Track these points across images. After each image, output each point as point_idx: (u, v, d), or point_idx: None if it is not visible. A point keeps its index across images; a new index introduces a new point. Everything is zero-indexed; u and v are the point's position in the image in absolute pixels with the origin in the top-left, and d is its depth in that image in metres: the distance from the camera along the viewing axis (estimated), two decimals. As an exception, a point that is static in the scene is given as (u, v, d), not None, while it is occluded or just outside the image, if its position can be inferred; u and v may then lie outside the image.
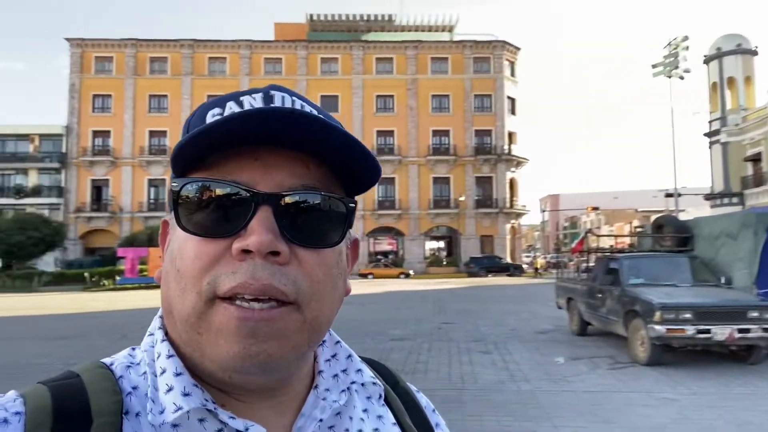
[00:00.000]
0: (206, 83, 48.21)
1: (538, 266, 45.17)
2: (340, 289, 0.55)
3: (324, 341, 0.61)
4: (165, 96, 48.09)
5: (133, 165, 46.89)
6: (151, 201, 47.00)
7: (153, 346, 0.54)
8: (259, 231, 0.48)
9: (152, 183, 47.17)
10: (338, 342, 0.62)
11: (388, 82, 49.22)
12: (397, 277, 40.58)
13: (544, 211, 62.35)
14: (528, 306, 17.39)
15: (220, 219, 0.49)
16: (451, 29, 55.14)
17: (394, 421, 0.62)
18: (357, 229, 46.05)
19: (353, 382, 0.59)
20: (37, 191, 46.34)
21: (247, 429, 0.49)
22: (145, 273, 30.37)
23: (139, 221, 45.50)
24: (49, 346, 10.68)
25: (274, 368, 0.50)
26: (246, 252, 0.48)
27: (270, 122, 0.49)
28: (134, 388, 0.51)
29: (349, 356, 0.61)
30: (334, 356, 0.61)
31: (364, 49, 49.57)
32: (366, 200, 47.12)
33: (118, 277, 31.21)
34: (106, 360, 0.55)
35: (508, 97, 49.96)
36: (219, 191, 0.50)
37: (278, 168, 0.51)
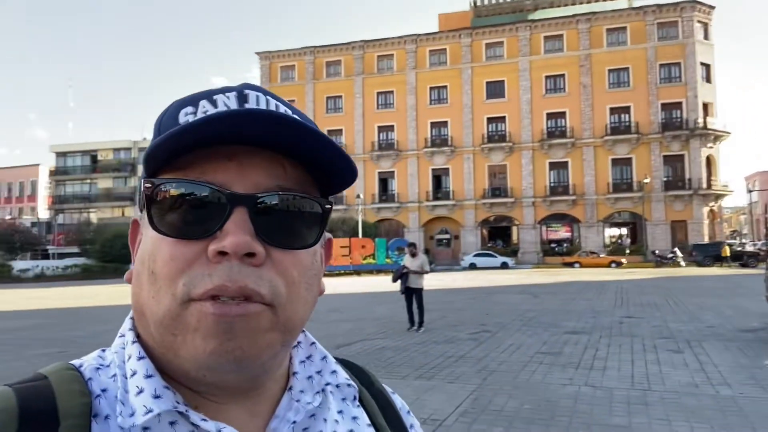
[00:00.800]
0: (376, 81, 50.54)
1: (726, 254, 36.88)
2: (314, 290, 0.54)
3: (299, 342, 0.61)
4: (340, 96, 51.50)
5: (314, 163, 51.04)
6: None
7: (124, 348, 0.53)
8: (235, 232, 0.47)
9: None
10: (313, 343, 0.62)
11: (558, 60, 46.59)
12: (608, 266, 37.91)
13: (751, 191, 53.94)
14: (730, 300, 15.24)
15: (195, 220, 0.49)
16: (629, -5, 50.26)
17: (368, 422, 0.62)
18: (528, 216, 44.78)
19: (328, 384, 0.59)
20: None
21: (219, 431, 0.49)
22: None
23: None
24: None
25: (248, 365, 0.49)
26: (222, 254, 0.47)
27: (247, 123, 0.48)
28: (104, 390, 0.50)
29: (324, 357, 0.61)
30: (308, 357, 0.60)
31: (531, 28, 47.51)
32: (536, 187, 45.40)
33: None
34: (75, 362, 0.53)
35: (702, 64, 43.98)
36: (194, 192, 0.49)
37: (254, 169, 0.51)
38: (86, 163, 59.08)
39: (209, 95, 0.55)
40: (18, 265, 39.64)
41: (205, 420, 0.48)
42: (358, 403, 0.63)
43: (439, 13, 61.61)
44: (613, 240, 45.44)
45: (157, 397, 0.48)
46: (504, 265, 40.56)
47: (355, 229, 38.87)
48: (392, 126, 49.70)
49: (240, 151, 0.50)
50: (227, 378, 0.50)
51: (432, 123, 48.82)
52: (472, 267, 40.77)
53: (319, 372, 0.59)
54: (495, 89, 47.81)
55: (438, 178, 48.58)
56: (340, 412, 0.60)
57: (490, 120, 47.55)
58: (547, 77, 46.76)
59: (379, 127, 50.05)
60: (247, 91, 0.55)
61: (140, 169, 0.43)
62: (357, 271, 32.93)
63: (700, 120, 42.75)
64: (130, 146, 58.04)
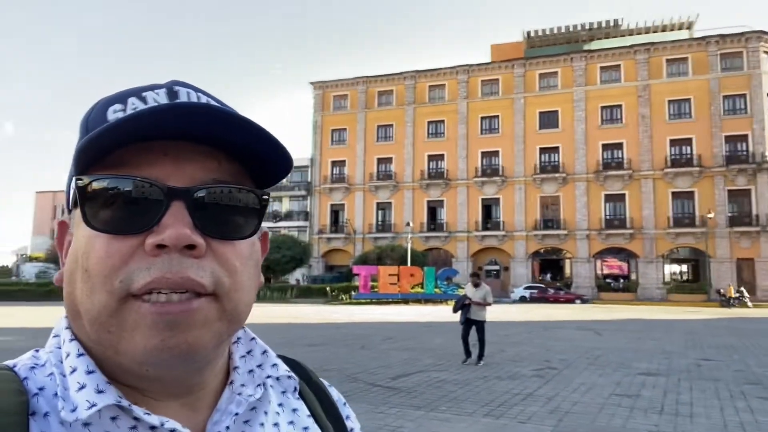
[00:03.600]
0: (427, 110, 50.75)
1: (731, 295, 34.29)
2: (254, 280, 0.55)
3: (239, 338, 0.61)
4: (390, 125, 51.92)
5: (363, 190, 51.42)
6: (379, 223, 50.80)
7: (59, 347, 0.53)
8: (174, 225, 0.47)
9: (380, 206, 51.02)
10: (253, 338, 0.62)
11: (615, 91, 45.56)
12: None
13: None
14: (816, 346, 14.00)
15: (131, 215, 0.48)
16: (689, 26, 48.98)
17: (308, 413, 0.63)
18: (581, 250, 43.32)
19: (269, 377, 0.59)
20: (288, 215, 53.91)
21: (162, 424, 0.48)
22: (376, 289, 32.77)
23: (369, 241, 49.52)
24: (301, 352, 11.98)
25: (194, 359, 0.49)
26: (160, 247, 0.47)
27: (181, 118, 0.48)
28: (41, 388, 0.49)
29: (265, 352, 0.61)
30: (249, 352, 0.61)
31: (586, 59, 46.80)
32: (591, 219, 44.01)
33: (353, 293, 34.20)
34: (9, 362, 0.53)
35: (769, 95, 42.05)
36: (130, 187, 0.48)
37: (189, 163, 0.50)
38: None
39: (138, 92, 0.54)
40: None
41: (148, 414, 0.48)
42: (298, 396, 0.64)
43: (492, 44, 61.65)
44: (673, 277, 43.32)
45: (100, 392, 0.47)
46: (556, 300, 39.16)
47: (403, 257, 38.55)
48: (442, 155, 49.57)
49: (174, 145, 0.50)
50: (171, 372, 0.49)
51: (483, 152, 48.40)
52: (522, 300, 39.59)
53: (260, 366, 0.59)
54: (548, 119, 47.09)
55: (488, 207, 47.86)
56: (280, 404, 0.61)
57: (542, 150, 46.73)
58: (603, 107, 45.75)
59: (429, 156, 50.00)
60: (177, 88, 0.55)
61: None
62: (405, 299, 32.47)
63: (768, 153, 40.69)
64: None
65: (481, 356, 10.49)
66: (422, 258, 41.04)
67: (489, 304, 10.71)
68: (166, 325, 0.46)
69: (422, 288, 33.30)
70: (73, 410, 0.47)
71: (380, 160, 51.63)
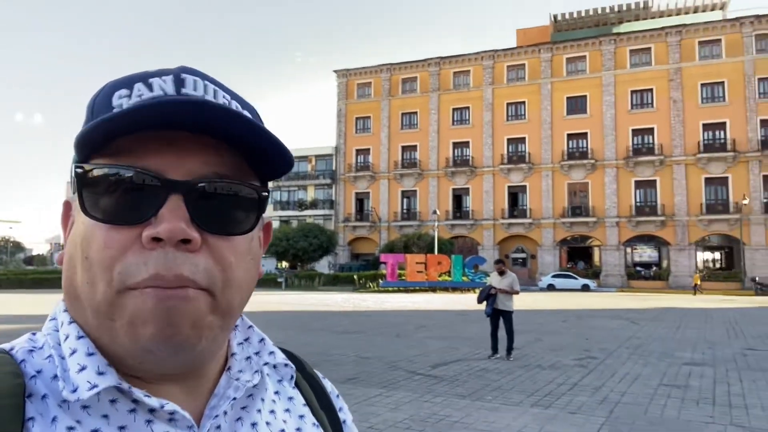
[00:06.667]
0: (451, 97, 50.24)
1: (697, 283, 35.10)
2: (252, 274, 0.55)
3: (236, 326, 0.61)
4: (415, 113, 51.56)
5: (388, 178, 51.30)
6: (404, 211, 50.69)
7: (57, 330, 0.53)
8: (170, 219, 0.47)
9: (405, 194, 50.88)
10: (251, 326, 0.62)
11: (646, 74, 44.44)
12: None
13: None
14: None
15: (129, 206, 0.48)
16: (723, 7, 47.44)
17: (304, 402, 0.64)
18: (611, 237, 42.61)
19: (266, 364, 0.59)
20: (314, 204, 54.18)
21: (162, 406, 0.48)
22: (403, 277, 32.78)
23: (394, 229, 49.50)
24: (338, 338, 12.04)
25: (187, 351, 0.49)
26: (156, 240, 0.47)
27: (184, 110, 0.48)
28: (39, 371, 0.49)
29: (262, 340, 0.61)
30: (246, 340, 0.61)
31: (616, 42, 45.68)
32: (621, 206, 43.23)
33: (381, 281, 34.27)
34: (5, 345, 0.53)
35: (808, 76, 40.57)
36: (128, 178, 0.48)
37: (190, 155, 0.50)
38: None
39: (145, 78, 0.54)
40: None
41: (148, 396, 0.48)
42: (294, 385, 0.64)
43: (517, 28, 60.66)
44: (707, 264, 42.39)
45: (101, 373, 0.48)
46: (585, 288, 38.73)
47: (430, 246, 38.43)
48: (468, 142, 49.10)
49: (176, 137, 0.50)
50: (165, 364, 0.50)
51: (509, 139, 47.79)
52: (551, 288, 39.21)
53: (257, 353, 0.60)
54: (576, 105, 46.24)
55: (514, 195, 47.35)
56: (276, 392, 0.61)
57: (570, 136, 45.95)
58: (633, 92, 44.70)
59: (454, 143, 49.58)
60: (184, 75, 0.54)
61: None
62: (432, 287, 32.42)
63: (807, 137, 39.32)
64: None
65: (510, 349, 9.85)
66: (449, 246, 40.87)
67: (516, 293, 10.04)
68: (162, 315, 0.47)
69: (449, 276, 33.19)
70: (74, 391, 0.47)
71: (405, 148, 51.38)
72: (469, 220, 47.86)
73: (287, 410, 0.61)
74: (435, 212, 41.79)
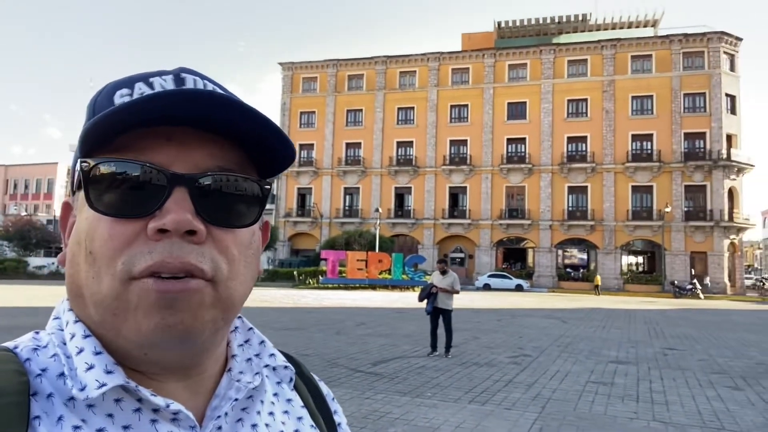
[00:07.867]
0: (397, 96, 50.59)
1: (598, 284, 39.14)
2: (253, 268, 0.55)
3: (236, 327, 0.62)
4: (360, 110, 51.55)
5: (331, 175, 51.05)
6: (346, 208, 50.61)
7: (61, 329, 0.53)
8: (176, 210, 0.48)
9: (347, 191, 50.80)
10: (251, 328, 0.63)
11: (581, 85, 46.43)
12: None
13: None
14: (768, 337, 14.77)
15: (135, 199, 0.49)
16: (654, 24, 50.20)
17: (302, 404, 0.64)
18: (544, 240, 44.29)
19: (266, 366, 0.60)
20: (254, 198, 53.00)
21: (167, 406, 0.49)
22: (344, 274, 32.73)
23: (335, 226, 49.33)
24: (277, 335, 11.87)
25: (190, 341, 0.49)
26: (162, 232, 0.48)
27: (188, 103, 0.48)
28: (44, 370, 0.49)
29: (262, 342, 0.62)
30: (247, 341, 0.62)
31: (555, 52, 47.45)
32: (555, 210, 44.99)
33: (321, 277, 34.06)
34: (9, 344, 0.53)
35: (727, 95, 43.62)
36: (134, 171, 0.49)
37: (194, 149, 0.51)
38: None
39: (145, 78, 0.55)
40: (33, 261, 39.62)
41: (154, 395, 0.48)
42: (293, 387, 0.65)
43: (462, 32, 61.82)
44: (630, 268, 44.81)
45: (109, 372, 0.48)
46: (519, 288, 40.02)
47: (371, 243, 38.57)
48: (411, 142, 49.61)
49: (180, 131, 0.51)
50: (169, 355, 0.50)
51: (451, 141, 48.67)
52: (486, 288, 40.30)
53: (257, 355, 0.61)
54: (516, 110, 47.68)
55: (455, 196, 48.30)
56: (275, 394, 0.62)
57: (510, 141, 47.32)
58: (569, 101, 46.58)
59: (398, 142, 49.96)
60: (184, 75, 0.56)
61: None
62: (373, 285, 32.56)
63: (724, 151, 42.29)
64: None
65: (448, 347, 9.95)
66: (390, 244, 41.16)
67: (456, 292, 10.19)
68: (166, 304, 0.47)
69: (390, 274, 33.44)
70: (82, 390, 0.47)
71: (349, 145, 51.30)
72: (410, 219, 48.39)
73: (286, 412, 0.62)
74: (377, 210, 41.99)
